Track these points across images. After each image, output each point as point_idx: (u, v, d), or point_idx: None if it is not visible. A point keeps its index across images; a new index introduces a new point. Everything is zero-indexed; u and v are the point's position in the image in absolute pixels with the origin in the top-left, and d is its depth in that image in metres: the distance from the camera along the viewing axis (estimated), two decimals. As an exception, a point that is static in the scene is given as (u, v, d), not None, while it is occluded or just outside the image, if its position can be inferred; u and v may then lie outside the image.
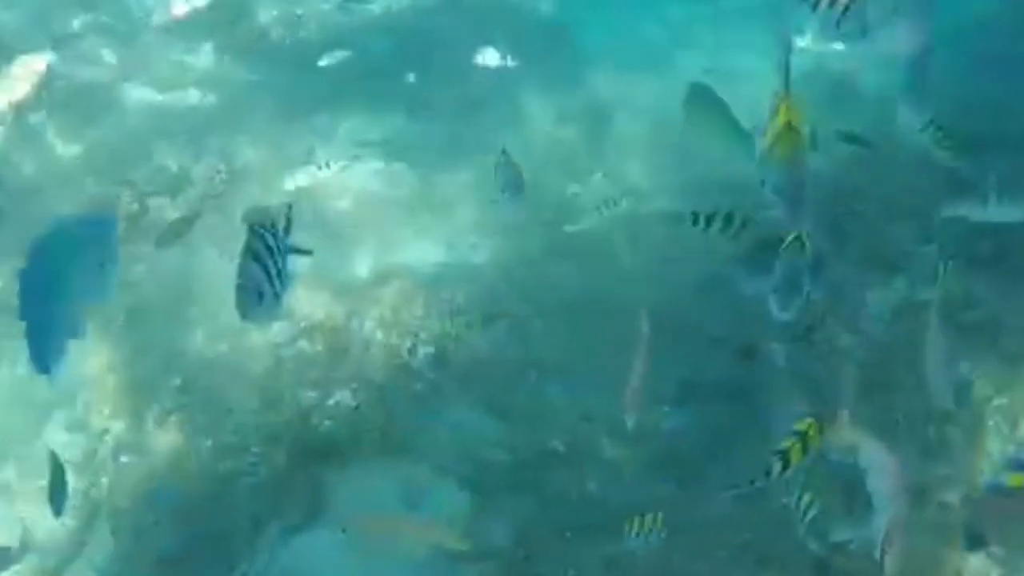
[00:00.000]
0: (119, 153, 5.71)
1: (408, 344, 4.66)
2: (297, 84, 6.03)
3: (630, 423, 3.56)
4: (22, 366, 4.92)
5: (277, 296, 2.67)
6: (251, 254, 2.65)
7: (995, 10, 6.37)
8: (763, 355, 4.63)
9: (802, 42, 5.57)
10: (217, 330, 4.94)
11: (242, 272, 2.65)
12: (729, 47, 6.14)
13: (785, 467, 3.09)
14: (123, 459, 4.47)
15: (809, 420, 3.12)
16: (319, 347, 4.76)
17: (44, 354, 2.78)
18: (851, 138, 4.82)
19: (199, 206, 5.25)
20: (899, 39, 4.66)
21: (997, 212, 4.39)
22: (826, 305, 4.78)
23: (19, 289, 2.81)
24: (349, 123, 5.91)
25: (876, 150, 4.82)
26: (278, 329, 4.69)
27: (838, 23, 3.69)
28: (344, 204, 5.51)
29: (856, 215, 5.08)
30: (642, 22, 6.59)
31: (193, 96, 6.03)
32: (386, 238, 5.31)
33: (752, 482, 3.10)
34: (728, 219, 4.03)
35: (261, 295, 2.63)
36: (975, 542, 3.70)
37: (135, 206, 5.32)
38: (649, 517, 3.38)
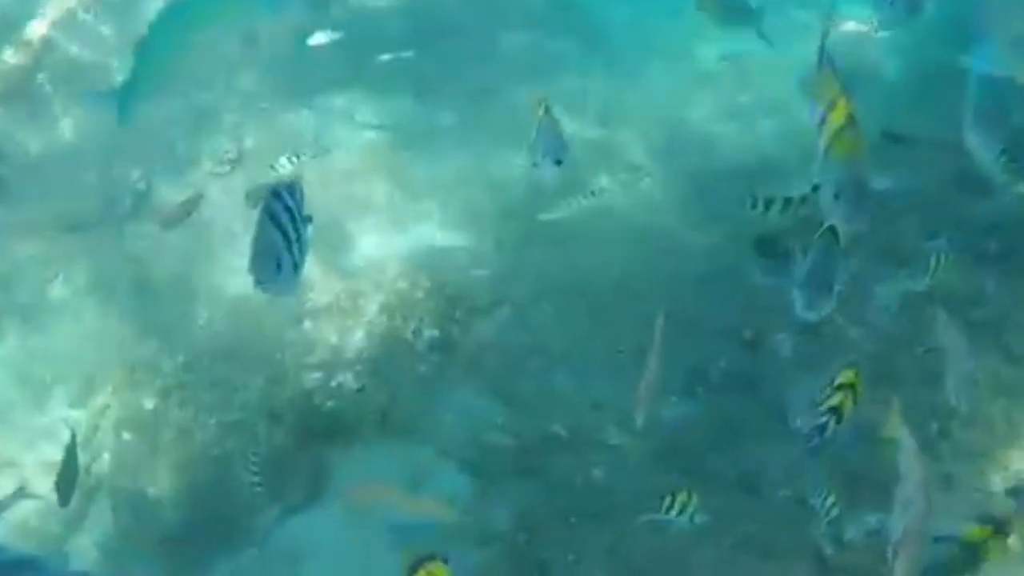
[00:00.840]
0: (123, 130, 5.68)
1: (412, 327, 4.65)
2: (306, 64, 6.00)
3: (639, 420, 3.50)
4: (24, 342, 4.93)
5: (296, 266, 2.45)
6: (270, 217, 2.43)
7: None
8: (769, 346, 4.63)
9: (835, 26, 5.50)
10: (221, 309, 4.93)
11: (259, 237, 2.41)
12: (743, 37, 6.10)
13: (839, 421, 3.00)
14: (125, 436, 4.46)
15: (851, 370, 3.03)
16: (323, 328, 4.75)
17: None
18: (896, 138, 4.74)
19: (205, 187, 5.22)
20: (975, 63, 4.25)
21: None
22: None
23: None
24: (357, 106, 5.88)
25: (918, 148, 4.75)
26: (285, 307, 4.67)
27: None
28: (348, 186, 5.49)
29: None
30: (657, 11, 6.54)
31: (199, 74, 6.00)
32: (391, 221, 5.29)
33: (810, 441, 2.98)
34: (787, 201, 3.90)
35: (279, 263, 2.41)
36: None
37: (142, 185, 5.30)
38: (683, 495, 3.35)
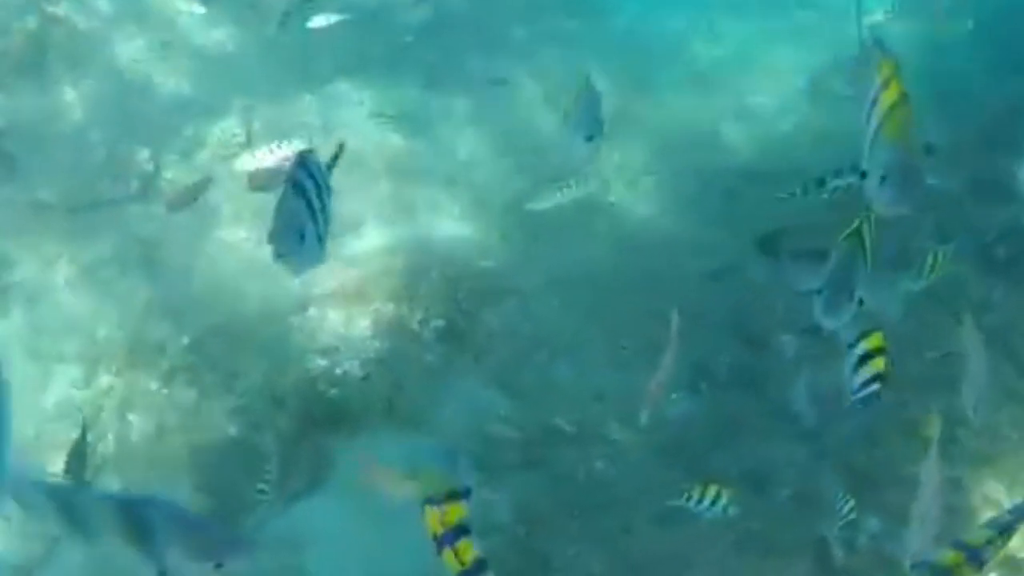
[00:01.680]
0: (128, 108, 5.67)
1: (419, 317, 4.65)
2: (316, 51, 5.98)
3: (645, 417, 3.48)
4: (29, 320, 4.92)
5: (321, 239, 2.31)
6: (295, 187, 2.29)
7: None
8: (773, 345, 4.63)
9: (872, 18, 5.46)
10: (227, 292, 4.92)
11: (282, 207, 2.28)
12: (752, 37, 6.11)
13: (884, 382, 2.95)
14: (130, 417, 4.46)
15: (876, 334, 2.96)
16: (329, 315, 4.74)
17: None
18: (930, 148, 4.72)
19: (213, 170, 5.21)
20: None
21: None
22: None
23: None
24: (365, 93, 5.87)
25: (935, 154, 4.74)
26: (294, 291, 4.66)
27: None
28: (356, 173, 5.48)
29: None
30: (668, 12, 6.55)
31: (209, 55, 5.98)
32: (398, 209, 5.29)
33: (861, 407, 2.92)
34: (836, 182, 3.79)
35: (302, 235, 2.28)
36: None
37: (150, 166, 5.29)
38: (714, 488, 3.34)
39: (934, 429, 2.99)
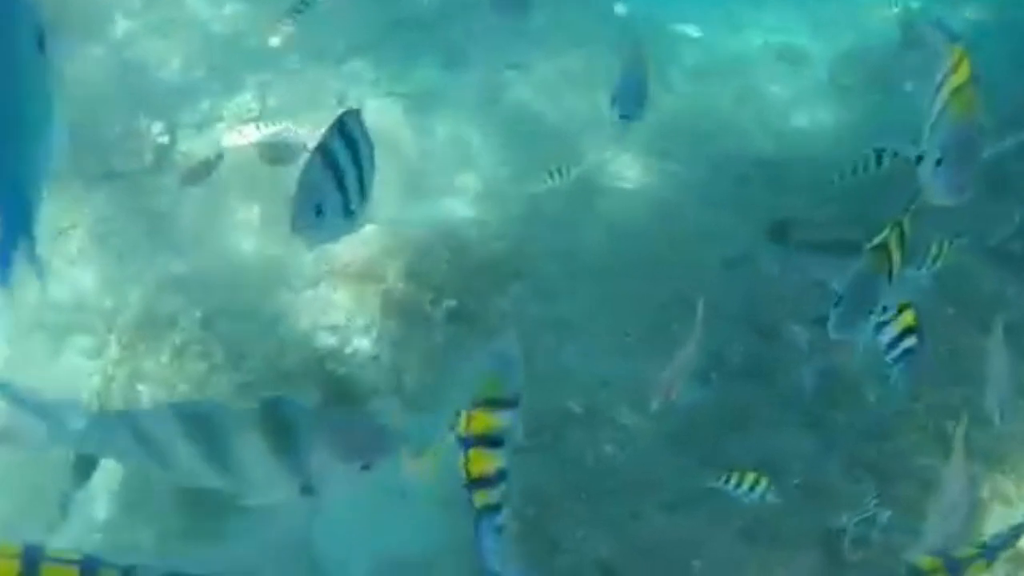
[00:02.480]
0: (140, 82, 5.65)
1: (429, 297, 4.64)
2: (334, 28, 5.96)
3: (654, 404, 3.46)
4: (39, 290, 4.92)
5: (350, 211, 2.13)
6: (323, 154, 2.11)
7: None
8: (784, 335, 4.62)
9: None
10: (238, 267, 4.92)
11: (302, 178, 2.12)
12: (770, 26, 6.07)
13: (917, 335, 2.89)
14: (140, 388, 4.46)
15: (908, 312, 2.88)
16: (340, 293, 4.74)
17: None
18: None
19: (227, 144, 5.19)
20: None
21: None
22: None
23: None
24: (382, 71, 5.85)
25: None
26: (305, 268, 4.65)
27: None
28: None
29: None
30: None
31: (220, 32, 5.96)
32: (412, 188, 5.28)
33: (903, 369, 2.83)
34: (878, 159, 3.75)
35: (320, 210, 2.10)
36: None
37: (165, 139, 5.28)
38: (752, 474, 3.33)
39: (960, 426, 2.97)
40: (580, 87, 5.81)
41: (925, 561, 2.61)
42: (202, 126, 5.34)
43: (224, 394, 4.43)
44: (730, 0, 7.06)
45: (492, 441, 2.26)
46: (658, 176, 5.57)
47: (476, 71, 5.84)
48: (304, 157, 5.32)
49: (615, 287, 4.78)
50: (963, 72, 2.25)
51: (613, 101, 3.14)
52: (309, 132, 5.29)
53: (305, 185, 2.16)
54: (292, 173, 5.50)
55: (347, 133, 2.17)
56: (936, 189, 2.24)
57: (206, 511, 3.99)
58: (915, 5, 5.55)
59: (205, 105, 5.56)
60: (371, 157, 2.22)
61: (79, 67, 5.55)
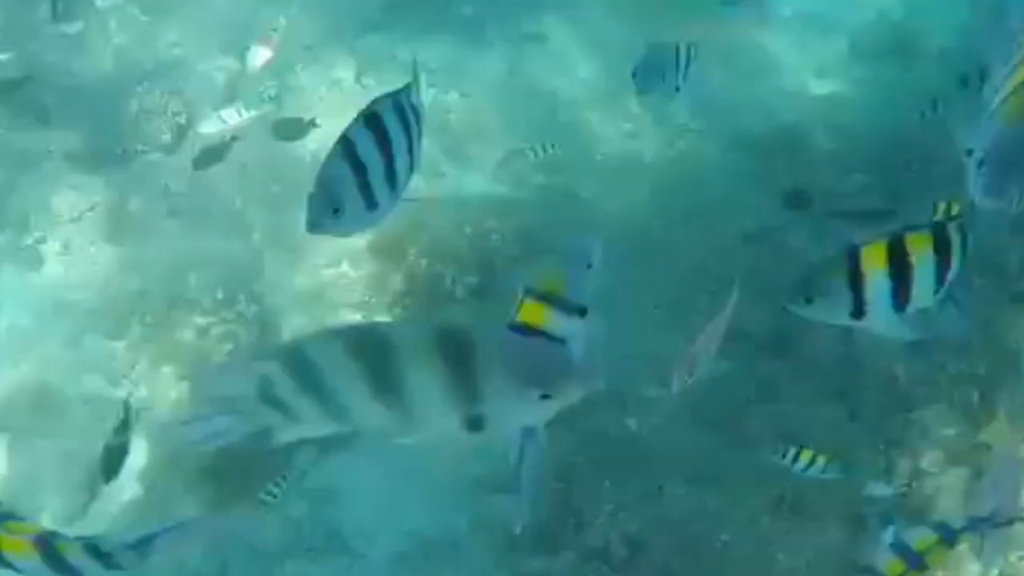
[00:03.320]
0: (158, 60, 5.64)
1: (452, 273, 4.64)
2: (348, 4, 5.92)
3: (675, 385, 3.40)
4: (62, 272, 4.94)
5: (373, 203, 1.98)
6: (343, 146, 1.96)
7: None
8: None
9: None
10: (258, 247, 4.93)
11: (322, 171, 1.98)
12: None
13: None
14: (164, 369, 4.49)
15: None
16: (362, 271, 4.74)
17: None
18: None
19: (244, 123, 5.17)
20: None
21: None
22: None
23: None
24: (399, 47, 5.81)
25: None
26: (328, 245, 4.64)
27: None
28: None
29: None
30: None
31: (239, 8, 5.93)
32: (432, 164, 5.26)
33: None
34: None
35: (337, 209, 1.96)
36: None
37: (182, 119, 5.27)
38: (809, 451, 3.33)
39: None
40: (598, 58, 5.76)
41: (892, 565, 2.58)
42: (219, 105, 5.31)
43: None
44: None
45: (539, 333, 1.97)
46: (678, 149, 5.53)
47: (493, 44, 5.79)
48: (314, 132, 5.26)
49: (636, 261, 4.76)
50: None
51: (634, 74, 3.00)
52: (321, 108, 5.30)
53: (322, 182, 2.01)
54: (307, 146, 5.50)
55: (375, 120, 2.01)
56: (977, 189, 2.09)
57: (227, 491, 4.03)
58: None
59: (221, 83, 5.54)
60: (408, 140, 2.05)
61: (93, 46, 5.55)
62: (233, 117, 4.89)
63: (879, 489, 3.83)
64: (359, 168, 1.99)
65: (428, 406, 1.67)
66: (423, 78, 2.36)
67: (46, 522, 3.88)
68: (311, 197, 2.04)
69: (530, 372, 1.68)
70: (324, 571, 4.01)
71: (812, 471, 3.33)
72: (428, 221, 4.79)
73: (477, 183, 5.17)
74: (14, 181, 5.11)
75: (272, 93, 5.47)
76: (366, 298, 4.64)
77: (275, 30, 5.09)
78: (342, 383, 1.65)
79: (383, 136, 2.01)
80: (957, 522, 2.74)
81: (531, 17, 5.91)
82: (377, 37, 5.83)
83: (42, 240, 5.00)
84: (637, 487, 3.89)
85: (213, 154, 5.10)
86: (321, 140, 5.19)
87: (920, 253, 2.16)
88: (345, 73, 5.61)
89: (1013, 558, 3.57)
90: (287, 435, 1.74)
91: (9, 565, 2.25)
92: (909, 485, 3.94)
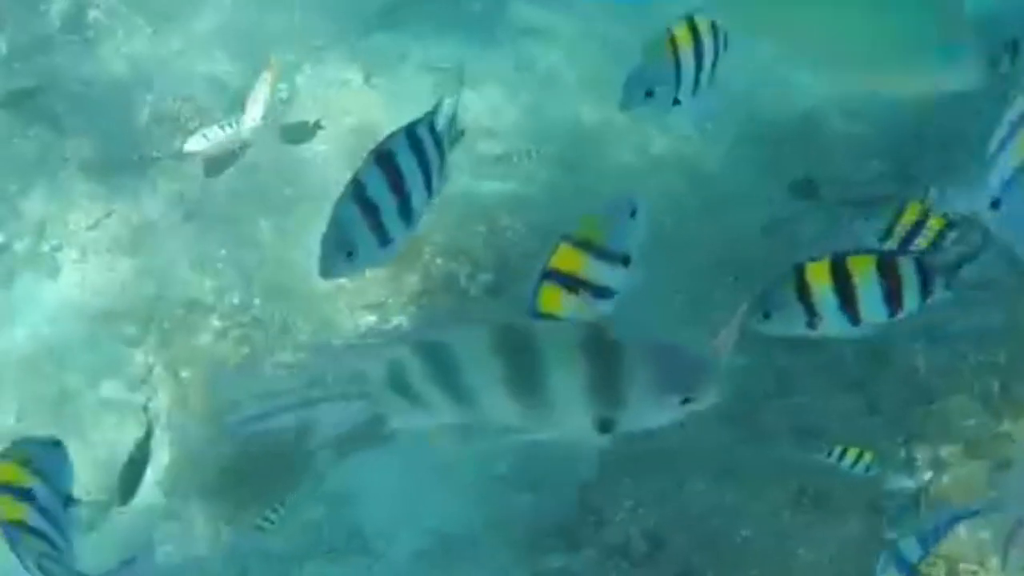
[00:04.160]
0: (169, 65, 5.65)
1: (467, 271, 4.65)
2: (354, 2, 5.92)
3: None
4: (79, 279, 4.97)
5: (387, 240, 1.93)
6: (354, 188, 1.91)
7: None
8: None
9: None
10: (271, 249, 4.94)
11: (333, 215, 1.95)
12: None
13: None
14: (183, 374, 4.51)
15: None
16: (377, 271, 4.75)
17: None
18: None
19: (250, 128, 5.18)
20: None
21: None
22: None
23: None
24: (408, 46, 5.81)
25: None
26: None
27: None
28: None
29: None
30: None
31: (247, 10, 5.94)
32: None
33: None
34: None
35: (351, 252, 1.95)
36: None
37: (195, 123, 5.28)
38: (855, 449, 3.34)
39: None
40: (608, 51, 5.74)
41: None
42: (230, 109, 5.33)
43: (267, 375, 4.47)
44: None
45: (576, 286, 1.87)
46: (689, 141, 5.51)
47: (503, 41, 5.78)
48: (325, 134, 5.23)
49: (651, 256, 4.74)
50: None
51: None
52: (332, 110, 5.30)
53: (334, 226, 1.97)
54: (318, 148, 5.50)
55: (387, 157, 1.95)
56: (992, 226, 2.03)
57: (247, 494, 4.05)
58: None
59: (232, 86, 5.55)
60: (425, 170, 2.00)
61: (103, 54, 5.57)
62: (218, 135, 4.89)
63: (900, 482, 3.81)
64: (370, 209, 1.96)
65: (565, 406, 1.65)
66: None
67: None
68: (323, 241, 2.03)
69: (675, 378, 1.68)
70: (344, 571, 4.03)
71: (858, 469, 3.35)
72: (441, 220, 4.80)
73: (488, 180, 5.17)
74: (29, 189, 5.14)
75: (284, 96, 5.47)
76: (382, 298, 4.65)
77: (268, 72, 5.05)
78: (478, 374, 1.62)
79: (395, 173, 1.97)
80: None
81: (541, 13, 5.90)
82: (385, 36, 5.83)
83: (59, 248, 5.03)
84: (657, 483, 3.88)
85: (224, 159, 5.12)
86: (332, 142, 5.21)
87: (862, 273, 2.21)
88: (355, 74, 5.61)
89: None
90: (405, 422, 1.73)
91: None
92: (930, 478, 3.92)
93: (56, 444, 2.31)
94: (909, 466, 3.71)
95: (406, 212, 1.97)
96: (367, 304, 4.63)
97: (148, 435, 3.76)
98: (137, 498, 4.15)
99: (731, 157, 5.30)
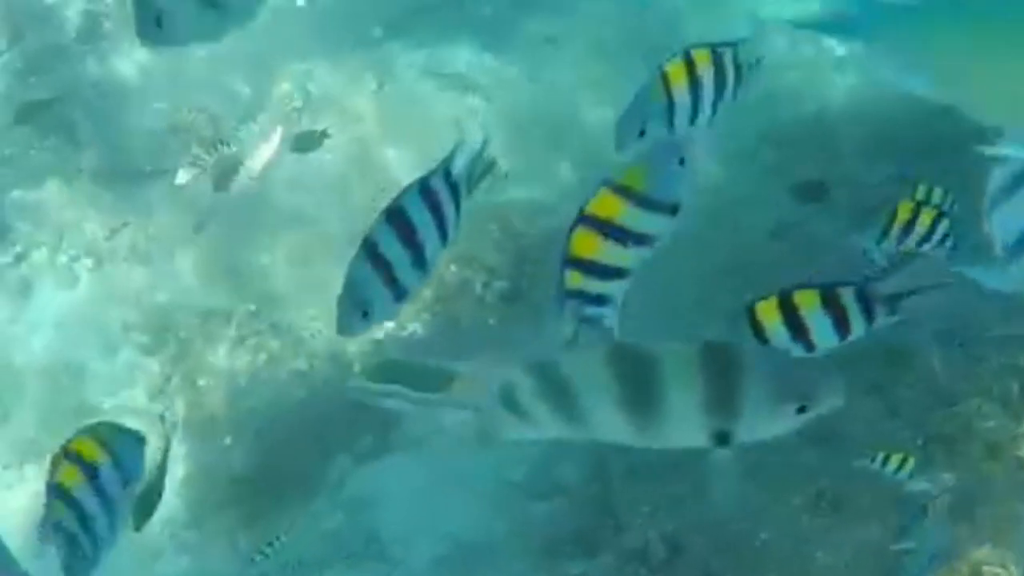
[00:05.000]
0: (184, 76, 5.68)
1: (482, 279, 4.65)
2: (366, 10, 5.94)
3: None
4: (95, 289, 5.00)
5: (403, 292, 1.96)
6: (367, 249, 1.93)
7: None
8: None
9: None
10: (286, 257, 4.96)
11: (348, 278, 1.98)
12: None
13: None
14: (200, 383, 4.53)
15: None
16: (393, 278, 4.76)
17: None
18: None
19: (260, 139, 5.20)
20: None
21: None
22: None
23: None
24: (420, 53, 5.83)
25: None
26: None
27: None
28: (414, 134, 5.47)
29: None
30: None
31: (260, 18, 5.95)
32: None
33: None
34: None
35: (367, 312, 1.99)
36: None
37: (209, 131, 5.31)
38: (899, 455, 3.33)
39: None
40: (615, 62, 5.75)
41: None
42: (245, 117, 5.36)
43: (284, 384, 4.48)
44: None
45: (616, 235, 1.81)
46: (698, 147, 5.50)
47: (514, 47, 5.79)
48: (337, 142, 5.23)
49: (660, 262, 4.74)
50: None
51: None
52: (344, 118, 5.32)
53: (349, 286, 2.01)
54: (330, 157, 5.52)
55: (398, 214, 1.94)
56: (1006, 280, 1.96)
57: (263, 503, 4.05)
58: None
59: (247, 95, 5.57)
60: (439, 220, 1.98)
61: (121, 63, 5.60)
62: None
63: (920, 485, 3.79)
64: (383, 265, 1.97)
65: (681, 421, 1.67)
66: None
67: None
68: (339, 302, 2.08)
69: (790, 387, 1.68)
70: (363, 577, 4.04)
71: (901, 475, 3.34)
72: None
73: (501, 187, 5.17)
74: (47, 200, 5.17)
75: (298, 105, 5.49)
76: (397, 306, 4.66)
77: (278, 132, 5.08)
78: (592, 391, 1.66)
79: (408, 228, 1.97)
80: None
81: (551, 20, 5.90)
82: (397, 44, 5.85)
83: (76, 258, 5.05)
84: (675, 488, 3.87)
85: (236, 169, 5.14)
86: (345, 150, 5.22)
87: (808, 306, 2.25)
88: (366, 82, 5.63)
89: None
90: (515, 436, 1.74)
91: None
92: (949, 480, 3.90)
93: (139, 439, 2.37)
94: (930, 469, 3.69)
95: (420, 263, 1.99)
96: (382, 311, 4.63)
97: (165, 455, 3.76)
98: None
99: (741, 164, 5.29)
